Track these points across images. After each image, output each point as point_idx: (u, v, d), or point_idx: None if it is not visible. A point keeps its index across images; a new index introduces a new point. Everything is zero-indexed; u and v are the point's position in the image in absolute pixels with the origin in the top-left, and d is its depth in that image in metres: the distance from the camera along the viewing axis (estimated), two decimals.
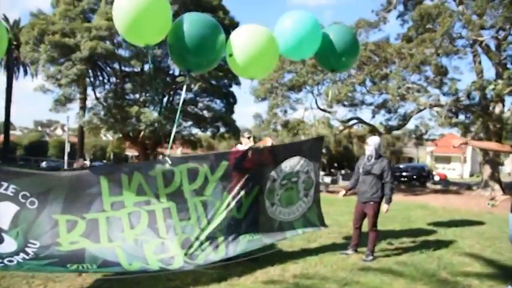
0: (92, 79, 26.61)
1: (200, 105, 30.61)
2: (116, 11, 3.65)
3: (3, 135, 36.58)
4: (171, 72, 27.07)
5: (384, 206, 5.34)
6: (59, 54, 20.90)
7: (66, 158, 27.37)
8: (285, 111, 17.34)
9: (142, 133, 28.52)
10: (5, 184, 3.51)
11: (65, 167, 26.14)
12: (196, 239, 4.36)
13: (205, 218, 4.47)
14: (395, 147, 39.19)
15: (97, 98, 26.45)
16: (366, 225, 5.44)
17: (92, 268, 3.66)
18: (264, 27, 4.27)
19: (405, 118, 17.97)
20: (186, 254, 4.17)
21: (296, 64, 15.59)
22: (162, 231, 4.16)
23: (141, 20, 3.60)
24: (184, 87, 6.61)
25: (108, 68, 27.20)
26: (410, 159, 42.52)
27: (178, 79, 26.94)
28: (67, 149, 27.44)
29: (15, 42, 29.65)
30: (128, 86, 25.60)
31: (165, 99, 29.18)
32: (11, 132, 55.60)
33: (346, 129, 21.83)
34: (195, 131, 32.54)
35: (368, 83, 17.26)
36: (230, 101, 31.51)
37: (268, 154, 5.05)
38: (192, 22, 3.93)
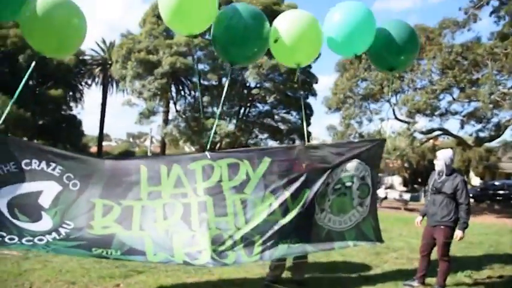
0: (173, 93, 28.23)
1: (276, 117, 30.71)
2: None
3: (97, 146, 40.60)
4: (247, 84, 27.54)
5: (457, 233, 4.49)
6: (143, 70, 22.50)
7: None
8: (360, 123, 16.35)
9: (218, 145, 29.46)
10: (53, 165, 3.71)
11: None
12: (230, 237, 4.02)
13: (243, 217, 4.12)
14: (490, 161, 34.95)
15: (177, 111, 27.93)
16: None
17: (115, 254, 3.60)
18: (306, 12, 4.15)
19: (499, 128, 15.77)
20: (214, 251, 3.87)
21: (371, 71, 14.65)
22: (195, 224, 3.97)
23: (187, 7, 3.54)
24: (227, 82, 6.47)
25: (189, 82, 28.55)
26: (509, 176, 37.52)
27: (254, 91, 27.30)
28: None
29: (110, 62, 32.73)
30: (205, 98, 26.58)
31: (241, 111, 29.83)
32: (108, 143, 61.62)
33: (429, 141, 19.93)
34: (271, 143, 32.60)
35: (455, 89, 15.54)
36: (306, 112, 31.09)
37: (321, 153, 4.49)
38: (236, 13, 3.85)
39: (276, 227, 4.17)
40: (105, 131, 44.36)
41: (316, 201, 4.39)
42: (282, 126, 30.30)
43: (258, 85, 28.36)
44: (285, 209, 4.23)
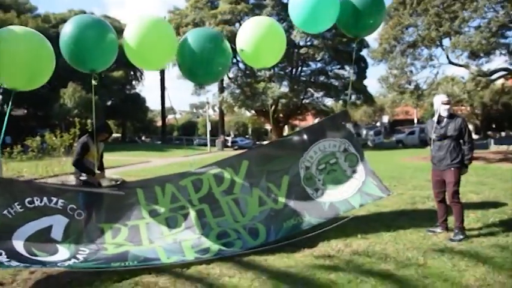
0: None
1: (330, 74, 30.03)
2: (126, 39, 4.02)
3: (161, 119, 43.08)
4: (297, 43, 27.04)
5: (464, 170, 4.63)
6: None
7: (208, 135, 31.08)
8: (410, 72, 15.48)
9: (273, 107, 29.72)
10: (54, 199, 4.03)
11: (208, 143, 29.60)
12: (232, 229, 4.54)
13: (239, 213, 4.72)
14: None
15: (230, 78, 28.50)
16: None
17: (132, 264, 3.90)
18: (265, 17, 4.68)
19: None
20: (223, 244, 4.33)
21: (417, 16, 13.66)
22: (199, 229, 4.49)
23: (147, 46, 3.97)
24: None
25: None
26: None
27: (302, 50, 26.82)
28: (208, 127, 31.02)
29: None
30: None
31: (292, 72, 29.58)
32: (172, 116, 64.86)
33: (496, 84, 18.28)
34: (327, 101, 32.15)
35: None
36: (361, 65, 30.01)
37: (286, 145, 5.19)
38: (195, 38, 4.21)
39: (272, 213, 4.74)
40: (170, 105, 46.73)
41: (304, 184, 4.96)
42: (336, 83, 29.63)
43: (308, 43, 27.76)
44: (274, 197, 4.86)
